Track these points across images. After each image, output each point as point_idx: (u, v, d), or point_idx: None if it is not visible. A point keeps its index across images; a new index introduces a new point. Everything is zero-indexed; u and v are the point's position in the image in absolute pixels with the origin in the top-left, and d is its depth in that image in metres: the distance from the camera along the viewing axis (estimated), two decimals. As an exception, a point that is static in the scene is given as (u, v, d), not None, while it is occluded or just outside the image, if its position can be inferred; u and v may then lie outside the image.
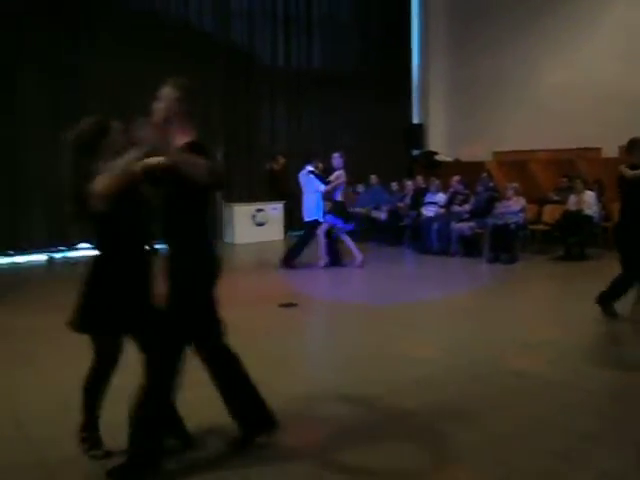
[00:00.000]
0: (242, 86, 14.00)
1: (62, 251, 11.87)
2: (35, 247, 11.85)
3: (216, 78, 13.90)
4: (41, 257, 11.71)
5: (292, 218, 14.14)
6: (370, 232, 13.56)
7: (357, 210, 13.83)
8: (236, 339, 3.87)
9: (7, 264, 11.47)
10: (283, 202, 14.18)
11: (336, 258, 10.52)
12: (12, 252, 11.76)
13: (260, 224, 14.00)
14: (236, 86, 14.03)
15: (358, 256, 10.36)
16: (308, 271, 10.29)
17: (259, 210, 14.03)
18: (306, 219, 10.53)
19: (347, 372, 5.34)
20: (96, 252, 3.61)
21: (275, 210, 14.18)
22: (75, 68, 12.20)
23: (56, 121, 12.02)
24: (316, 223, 10.38)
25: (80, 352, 3.85)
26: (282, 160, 14.29)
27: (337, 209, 10.34)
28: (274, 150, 14.68)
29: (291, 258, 10.43)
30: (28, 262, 11.54)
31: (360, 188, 14.37)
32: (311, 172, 10.45)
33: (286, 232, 14.22)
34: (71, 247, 11.82)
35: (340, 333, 6.72)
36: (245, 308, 7.21)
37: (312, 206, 10.38)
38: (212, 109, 13.82)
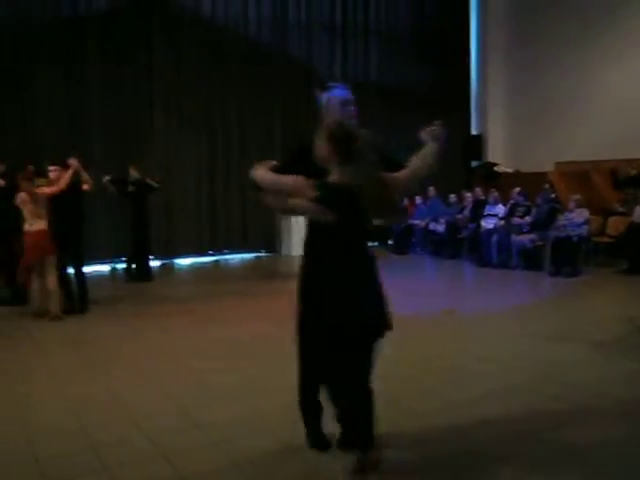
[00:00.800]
0: (300, 99, 13.99)
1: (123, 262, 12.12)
2: (98, 258, 12.13)
3: (275, 92, 14.10)
4: (104, 267, 11.99)
5: None
6: (427, 244, 13.62)
7: (415, 222, 13.86)
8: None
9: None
10: None
11: None
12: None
13: None
14: (295, 100, 14.08)
15: None
16: None
17: None
18: None
19: (409, 383, 5.28)
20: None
21: None
22: (139, 84, 12.68)
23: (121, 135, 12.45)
24: None
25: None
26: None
27: None
28: None
29: None
30: (92, 272, 11.81)
31: (418, 200, 14.37)
32: None
33: None
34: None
35: (395, 344, 6.64)
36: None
37: None
38: (272, 124, 14.06)
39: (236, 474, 3.66)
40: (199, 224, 13.54)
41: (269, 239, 14.09)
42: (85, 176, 8.43)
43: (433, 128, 3.52)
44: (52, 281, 7.64)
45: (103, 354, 6.19)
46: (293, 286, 3.49)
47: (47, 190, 7.64)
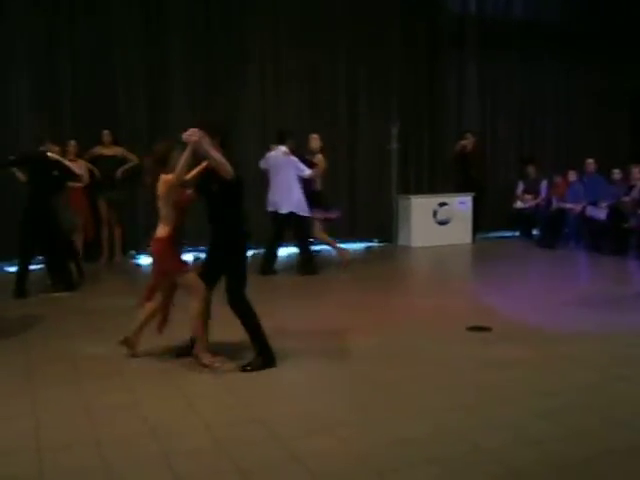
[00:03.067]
0: (423, 42, 12.75)
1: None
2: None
3: (391, 34, 12.65)
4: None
5: (484, 215, 12.85)
6: (584, 236, 11.87)
7: (567, 206, 12.10)
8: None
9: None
10: (473, 194, 12.63)
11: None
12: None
13: (443, 222, 12.47)
14: (416, 42, 12.76)
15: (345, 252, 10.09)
16: (501, 283, 8.96)
17: (442, 204, 12.48)
18: (291, 210, 9.43)
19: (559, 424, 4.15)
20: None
21: (463, 204, 12.62)
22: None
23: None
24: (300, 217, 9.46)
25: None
26: (473, 139, 12.77)
27: (317, 199, 9.65)
28: (462, 127, 13.22)
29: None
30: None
31: (572, 177, 12.25)
32: (286, 153, 9.40)
33: (475, 234, 12.76)
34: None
35: (543, 372, 5.27)
36: (425, 330, 6.57)
37: (298, 195, 9.36)
38: (387, 72, 12.64)
39: None
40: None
41: (383, 227, 12.81)
42: None
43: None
44: (193, 307, 5.39)
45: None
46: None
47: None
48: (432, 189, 12.98)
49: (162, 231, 5.36)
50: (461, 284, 9.46)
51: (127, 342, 5.60)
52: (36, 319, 6.96)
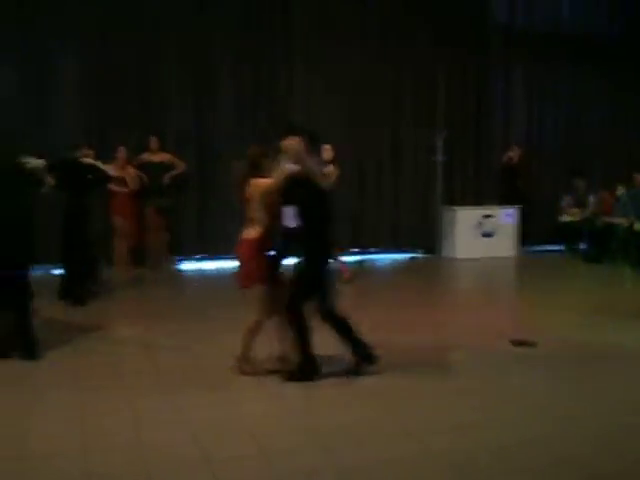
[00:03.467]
0: (469, 52, 12.68)
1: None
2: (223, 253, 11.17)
3: (437, 43, 12.52)
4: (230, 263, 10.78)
5: (530, 228, 12.73)
6: (631, 251, 11.52)
7: (615, 221, 11.88)
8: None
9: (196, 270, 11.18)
10: (518, 206, 12.51)
11: None
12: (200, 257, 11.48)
13: (487, 234, 12.32)
14: (463, 52, 12.65)
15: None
16: (547, 297, 8.77)
17: (487, 216, 12.33)
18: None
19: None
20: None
21: (508, 217, 12.44)
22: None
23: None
24: None
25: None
26: (519, 151, 12.69)
27: None
28: (508, 138, 13.12)
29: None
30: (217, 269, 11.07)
31: (619, 191, 12.12)
32: None
33: (519, 247, 12.60)
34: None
35: (595, 390, 5.16)
36: (468, 343, 6.48)
37: None
38: (433, 81, 12.50)
39: None
40: (338, 215, 11.93)
41: (426, 238, 12.65)
42: None
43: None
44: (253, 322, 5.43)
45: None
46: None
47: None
48: (477, 201, 12.84)
49: (252, 232, 5.28)
50: (506, 297, 9.37)
51: (241, 360, 5.40)
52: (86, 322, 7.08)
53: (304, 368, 5.27)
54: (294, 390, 5.10)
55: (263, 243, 5.29)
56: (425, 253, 12.66)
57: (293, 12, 11.66)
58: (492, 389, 5.13)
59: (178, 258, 11.22)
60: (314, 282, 5.32)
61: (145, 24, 10.73)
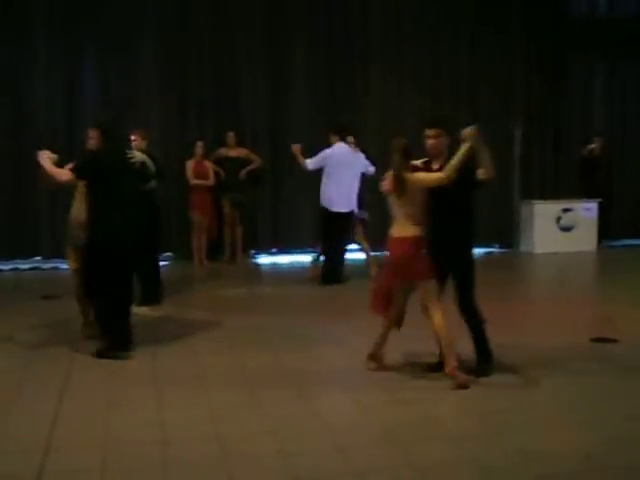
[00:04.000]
0: (549, 40, 12.33)
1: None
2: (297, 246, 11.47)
3: (515, 31, 12.37)
4: (304, 257, 10.89)
5: (609, 222, 12.42)
6: None
7: None
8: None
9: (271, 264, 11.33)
10: (598, 200, 12.18)
11: None
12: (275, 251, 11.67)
13: (566, 229, 12.07)
14: (542, 40, 12.38)
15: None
16: (628, 293, 8.50)
17: (566, 210, 12.08)
18: (353, 209, 9.25)
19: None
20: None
21: (588, 211, 12.15)
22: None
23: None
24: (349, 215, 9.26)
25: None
26: (600, 143, 12.32)
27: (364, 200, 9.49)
28: (589, 130, 12.73)
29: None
30: (292, 262, 11.22)
31: None
32: (355, 149, 9.33)
33: (600, 241, 12.26)
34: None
35: None
36: (547, 339, 6.31)
37: (356, 194, 9.26)
38: (510, 73, 12.36)
39: None
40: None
41: (504, 232, 12.46)
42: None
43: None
44: (437, 318, 5.06)
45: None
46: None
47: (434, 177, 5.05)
48: (556, 194, 12.50)
49: (408, 230, 4.97)
50: (586, 292, 9.20)
51: (373, 358, 5.33)
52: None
53: (484, 366, 5.13)
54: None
55: (420, 241, 5.02)
56: (503, 248, 12.46)
57: (369, 11, 11.65)
58: (572, 389, 5.02)
59: (254, 252, 11.37)
60: (473, 271, 5.15)
61: (223, 22, 10.89)
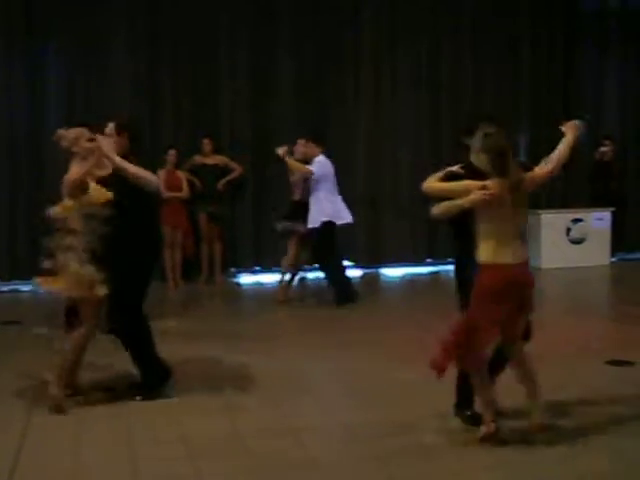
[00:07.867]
0: (557, 38, 12.39)
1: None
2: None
3: (522, 29, 12.36)
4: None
5: (626, 233, 12.24)
6: None
7: None
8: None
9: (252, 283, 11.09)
10: (612, 209, 11.90)
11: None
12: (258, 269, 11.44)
13: (577, 241, 11.81)
14: (550, 38, 12.43)
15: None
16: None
17: (576, 220, 11.79)
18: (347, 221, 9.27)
19: None
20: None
21: (600, 221, 11.87)
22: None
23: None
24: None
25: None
26: (613, 147, 12.02)
27: None
28: (600, 133, 12.38)
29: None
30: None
31: None
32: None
33: (614, 254, 12.03)
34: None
35: None
36: (560, 362, 6.23)
37: None
38: (518, 74, 12.35)
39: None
40: (413, 223, 11.96)
41: None
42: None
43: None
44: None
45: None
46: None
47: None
48: (565, 203, 12.34)
49: (525, 252, 4.39)
50: (599, 311, 9.06)
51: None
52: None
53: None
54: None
55: None
56: (507, 263, 12.24)
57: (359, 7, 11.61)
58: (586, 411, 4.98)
59: (235, 271, 11.07)
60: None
61: (201, 16, 10.77)
